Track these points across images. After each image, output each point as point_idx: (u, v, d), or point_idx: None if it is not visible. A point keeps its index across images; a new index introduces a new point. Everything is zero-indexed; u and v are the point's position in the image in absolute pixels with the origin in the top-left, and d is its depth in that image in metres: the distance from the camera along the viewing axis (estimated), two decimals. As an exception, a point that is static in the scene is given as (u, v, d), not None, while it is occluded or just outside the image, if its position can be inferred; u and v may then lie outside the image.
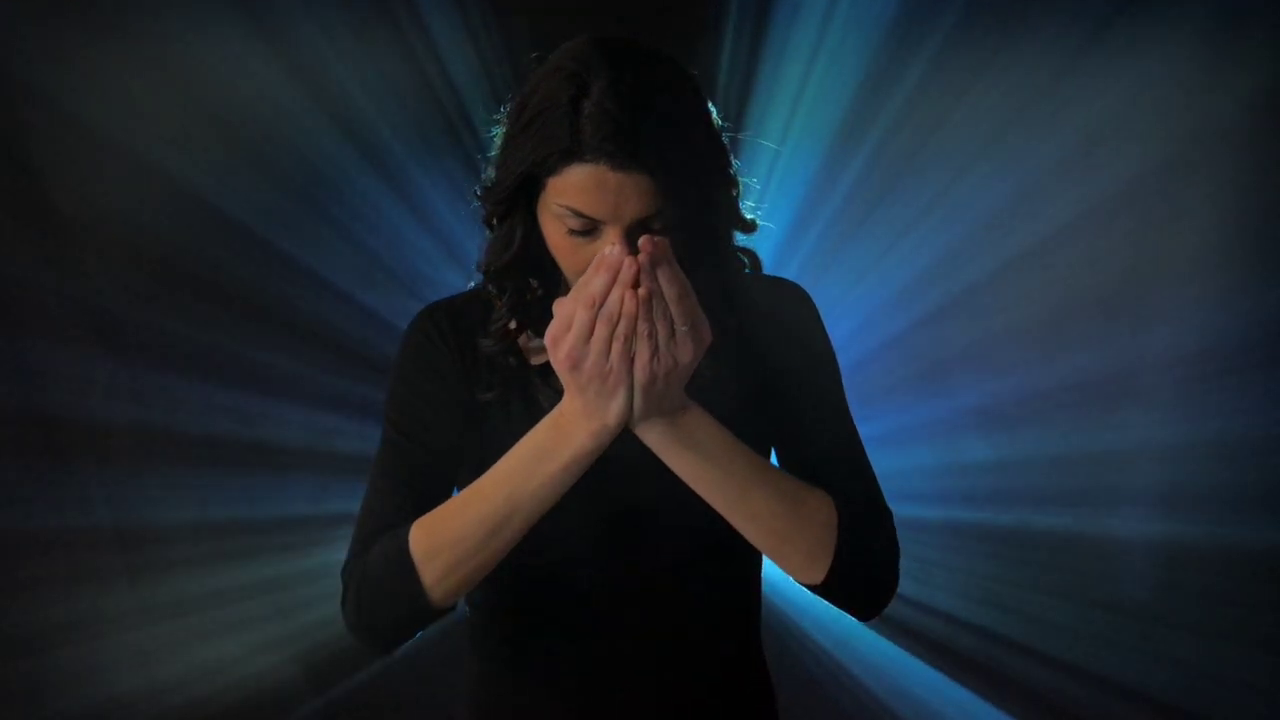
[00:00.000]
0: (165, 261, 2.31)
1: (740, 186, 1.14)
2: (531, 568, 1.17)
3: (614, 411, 0.96)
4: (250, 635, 2.39)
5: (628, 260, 0.91)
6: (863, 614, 1.14)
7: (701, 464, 1.04)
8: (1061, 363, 2.38)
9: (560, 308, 0.96)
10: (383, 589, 1.07)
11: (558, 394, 1.06)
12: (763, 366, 1.17)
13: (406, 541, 1.05)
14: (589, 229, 1.03)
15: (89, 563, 2.33)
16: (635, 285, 0.94)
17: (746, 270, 1.19)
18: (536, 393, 1.15)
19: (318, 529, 2.36)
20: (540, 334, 1.15)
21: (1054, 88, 2.29)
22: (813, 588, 1.10)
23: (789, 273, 1.26)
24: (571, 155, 1.00)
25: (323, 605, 2.36)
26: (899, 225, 2.40)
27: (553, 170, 1.02)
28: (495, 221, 1.14)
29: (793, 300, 1.22)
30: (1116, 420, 2.36)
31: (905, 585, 2.39)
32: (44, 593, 2.30)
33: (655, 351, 0.95)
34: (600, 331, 0.92)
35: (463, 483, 1.16)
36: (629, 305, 0.92)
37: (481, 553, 1.04)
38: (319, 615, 2.39)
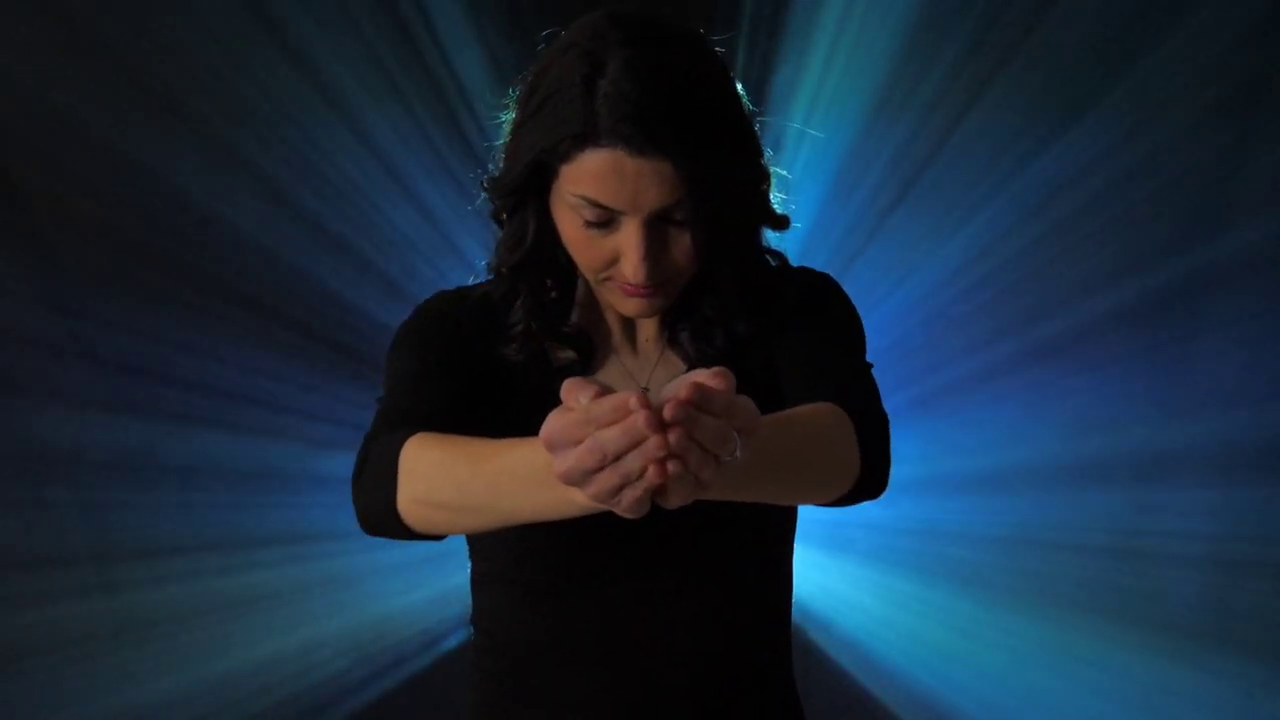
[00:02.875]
0: (142, 261, 2.27)
1: (771, 179, 1.09)
2: (536, 585, 1.14)
3: (624, 512, 0.80)
4: (236, 656, 2.36)
5: (655, 441, 0.72)
6: (873, 498, 1.10)
7: (724, 483, 0.91)
8: (1104, 360, 2.35)
9: (565, 416, 0.77)
10: (368, 480, 1.02)
11: None
12: (781, 351, 1.14)
13: (400, 448, 0.98)
14: (606, 220, 1.01)
15: (63, 580, 2.30)
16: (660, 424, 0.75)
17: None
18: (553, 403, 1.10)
19: (304, 544, 2.35)
20: (559, 341, 1.13)
21: (1100, 67, 2.25)
22: (833, 501, 1.05)
23: (816, 264, 1.23)
24: (586, 140, 0.97)
25: (311, 625, 2.36)
26: (932, 216, 2.37)
27: (566, 156, 0.99)
28: (505, 216, 1.10)
29: (818, 287, 1.18)
30: (1164, 422, 2.34)
31: (935, 598, 2.38)
32: (15, 611, 2.27)
33: (695, 487, 0.77)
34: (609, 480, 0.75)
35: None
36: (652, 475, 0.74)
37: (453, 513, 0.96)
38: (308, 635, 2.37)
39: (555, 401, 1.07)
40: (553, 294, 1.13)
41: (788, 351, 1.14)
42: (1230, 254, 2.27)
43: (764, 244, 1.15)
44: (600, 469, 0.74)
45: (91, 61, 2.20)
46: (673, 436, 0.73)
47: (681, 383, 0.74)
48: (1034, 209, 2.32)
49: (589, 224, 1.01)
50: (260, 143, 2.28)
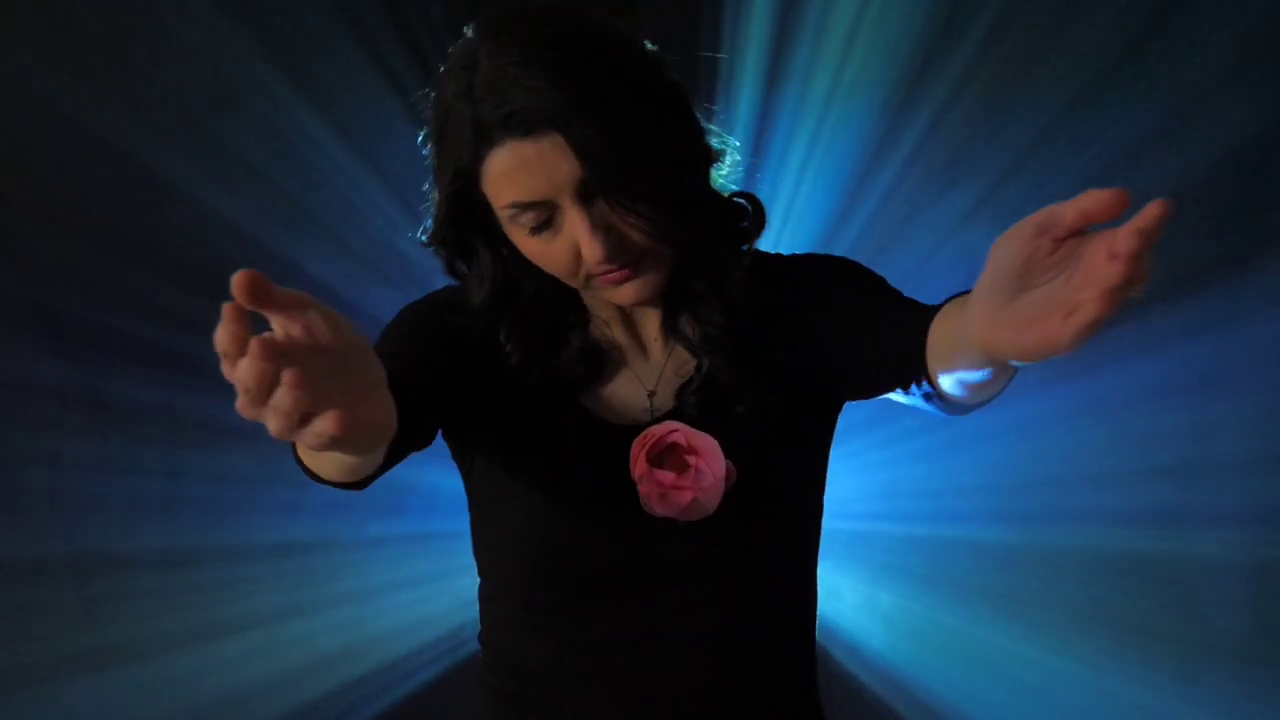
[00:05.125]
0: (125, 255, 2.22)
1: (701, 130, 1.06)
2: (545, 603, 1.13)
3: (310, 446, 0.69)
4: (223, 678, 2.30)
5: (256, 345, 0.64)
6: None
7: None
8: (1137, 355, 2.27)
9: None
10: None
11: (585, 420, 1.08)
12: (814, 339, 1.11)
13: None
14: (546, 219, 1.00)
15: (38, 596, 2.24)
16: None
17: (750, 242, 1.13)
18: (561, 415, 1.12)
19: (303, 554, 2.30)
20: (555, 366, 1.13)
21: (1150, 37, 2.18)
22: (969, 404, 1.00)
23: (840, 252, 1.20)
24: (481, 146, 0.98)
25: (305, 645, 2.31)
26: (967, 199, 2.28)
27: (475, 174, 1.00)
28: (460, 261, 1.10)
29: (828, 267, 1.16)
30: (1198, 421, 2.27)
31: (958, 614, 2.31)
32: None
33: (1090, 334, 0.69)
34: (267, 416, 0.66)
35: (479, 473, 1.15)
36: (290, 383, 0.64)
37: (312, 455, 0.95)
38: (304, 654, 2.31)
39: (561, 416, 1.12)
40: (552, 312, 1.12)
41: (854, 329, 1.10)
42: (1274, 243, 2.22)
43: (722, 194, 1.11)
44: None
45: (72, 51, 2.17)
46: (1120, 268, 0.65)
47: (1108, 196, 0.67)
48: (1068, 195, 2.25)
49: (534, 230, 1.01)
50: (253, 136, 2.24)
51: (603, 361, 1.13)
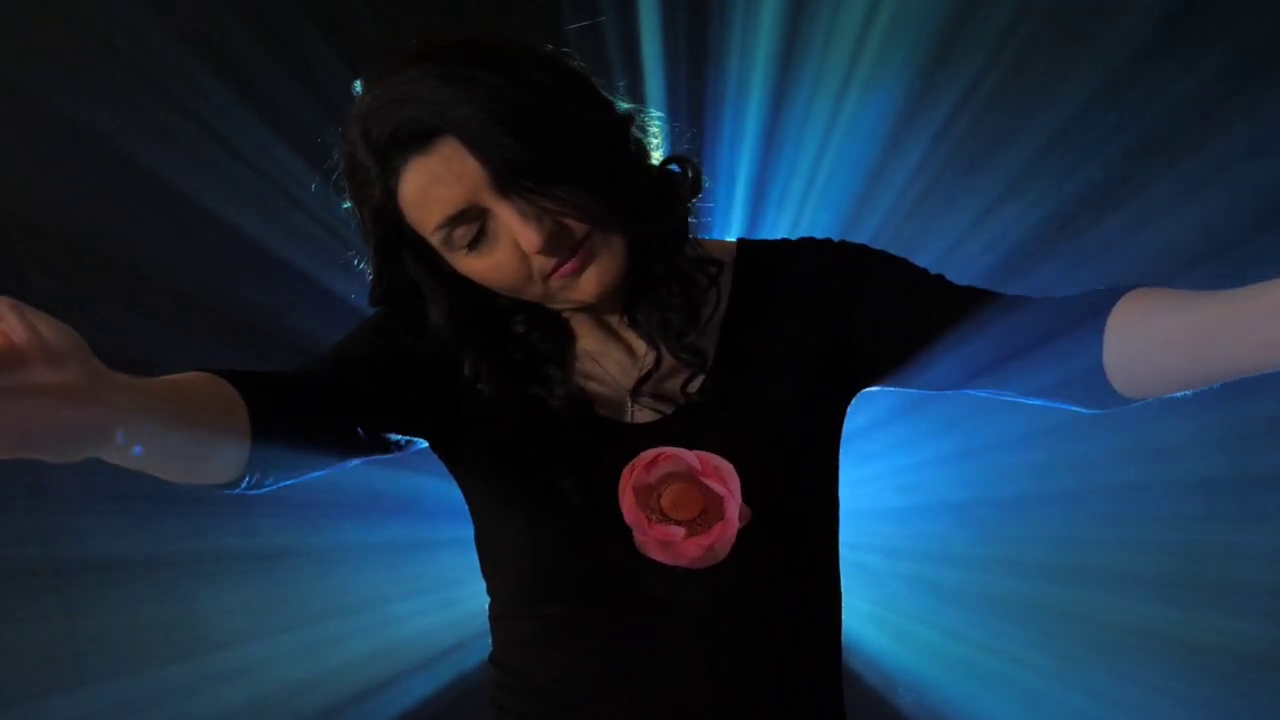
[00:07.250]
0: (106, 259, 2.18)
1: (615, 114, 1.07)
2: (557, 617, 1.13)
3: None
4: (212, 695, 2.26)
5: None
6: None
7: None
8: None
9: None
10: None
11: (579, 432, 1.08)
12: (820, 331, 1.12)
13: None
14: (478, 231, 1.01)
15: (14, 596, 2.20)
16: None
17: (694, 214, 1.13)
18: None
19: (286, 563, 2.26)
20: (542, 387, 1.11)
21: (1179, 23, 2.12)
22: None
23: (860, 238, 1.17)
24: (388, 177, 1.00)
25: (297, 660, 2.27)
26: (995, 185, 2.23)
27: (395, 209, 1.02)
28: (410, 306, 1.10)
29: (820, 253, 1.15)
30: (1229, 418, 2.20)
31: (978, 628, 2.30)
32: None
33: None
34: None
35: (471, 490, 1.16)
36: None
37: None
38: (297, 669, 2.27)
39: (545, 424, 1.12)
40: (530, 335, 1.12)
41: (885, 314, 1.09)
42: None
43: (654, 164, 1.11)
44: None
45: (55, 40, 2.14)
46: None
47: None
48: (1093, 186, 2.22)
49: (472, 247, 1.02)
50: (253, 144, 2.20)
51: (573, 369, 1.12)
